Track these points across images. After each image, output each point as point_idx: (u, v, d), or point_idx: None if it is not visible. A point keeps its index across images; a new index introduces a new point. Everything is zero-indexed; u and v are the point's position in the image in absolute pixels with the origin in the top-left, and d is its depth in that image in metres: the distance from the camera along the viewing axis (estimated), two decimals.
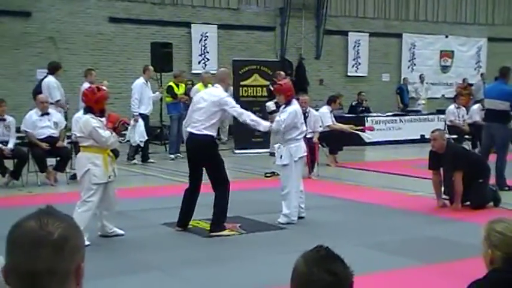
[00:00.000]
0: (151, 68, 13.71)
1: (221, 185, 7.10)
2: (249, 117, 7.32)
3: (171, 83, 13.98)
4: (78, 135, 6.83)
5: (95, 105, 6.83)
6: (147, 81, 13.32)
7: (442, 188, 8.60)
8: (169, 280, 5.62)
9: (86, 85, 12.88)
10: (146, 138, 12.73)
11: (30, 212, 1.59)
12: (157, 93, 13.81)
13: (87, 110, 6.89)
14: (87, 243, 6.33)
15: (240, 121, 7.51)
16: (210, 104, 7.10)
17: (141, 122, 12.64)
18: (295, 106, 7.84)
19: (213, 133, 7.15)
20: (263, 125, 7.48)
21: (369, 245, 6.69)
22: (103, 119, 6.87)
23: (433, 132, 8.72)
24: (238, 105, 7.38)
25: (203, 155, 7.11)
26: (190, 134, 7.18)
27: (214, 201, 7.11)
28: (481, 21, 23.85)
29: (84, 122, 6.76)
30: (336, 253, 1.93)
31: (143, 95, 13.00)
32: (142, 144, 12.69)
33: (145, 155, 13.23)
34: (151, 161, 13.24)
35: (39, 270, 1.52)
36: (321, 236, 7.15)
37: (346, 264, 1.92)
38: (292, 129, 7.68)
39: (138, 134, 12.52)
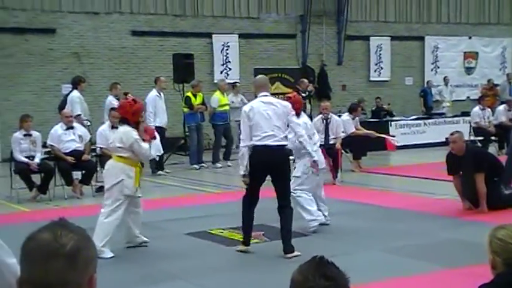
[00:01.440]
0: (162, 78, 13.79)
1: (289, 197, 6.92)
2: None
3: (189, 94, 14.05)
4: (117, 145, 6.76)
5: (131, 117, 6.81)
6: (159, 93, 13.39)
7: None
8: None
9: (111, 98, 13.10)
10: (162, 152, 12.72)
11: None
12: None
13: (123, 122, 6.86)
14: (111, 255, 6.43)
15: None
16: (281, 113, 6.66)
17: (156, 135, 12.63)
18: (304, 118, 7.69)
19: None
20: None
21: (393, 250, 6.65)
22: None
23: (452, 134, 8.65)
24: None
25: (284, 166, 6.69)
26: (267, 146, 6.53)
27: (286, 215, 6.76)
28: (505, 21, 23.57)
29: (125, 133, 6.71)
30: (331, 260, 1.90)
31: (157, 107, 13.05)
32: (157, 158, 12.56)
33: (160, 164, 13.24)
34: (163, 172, 13.20)
35: (53, 282, 1.55)
36: (345, 242, 7.14)
37: (341, 270, 1.90)
38: None
39: (154, 148, 12.49)
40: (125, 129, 6.77)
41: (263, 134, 6.49)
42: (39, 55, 16.78)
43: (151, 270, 6.22)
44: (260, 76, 7.44)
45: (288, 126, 6.73)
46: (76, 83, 12.14)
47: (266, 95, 6.79)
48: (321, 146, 11.45)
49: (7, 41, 16.45)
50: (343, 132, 12.08)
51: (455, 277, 5.71)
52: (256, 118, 6.52)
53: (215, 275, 5.98)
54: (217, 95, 14.37)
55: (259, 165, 6.53)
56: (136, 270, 6.25)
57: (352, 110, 13.19)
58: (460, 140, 8.41)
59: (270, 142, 6.48)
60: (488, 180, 8.30)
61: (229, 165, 13.88)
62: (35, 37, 16.77)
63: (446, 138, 14.79)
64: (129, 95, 12.94)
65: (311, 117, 15.14)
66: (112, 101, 13.04)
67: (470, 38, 22.95)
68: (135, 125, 6.83)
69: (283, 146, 6.59)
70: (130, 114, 6.82)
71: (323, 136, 11.59)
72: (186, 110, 14.07)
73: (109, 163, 6.96)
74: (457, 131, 9.04)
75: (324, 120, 11.61)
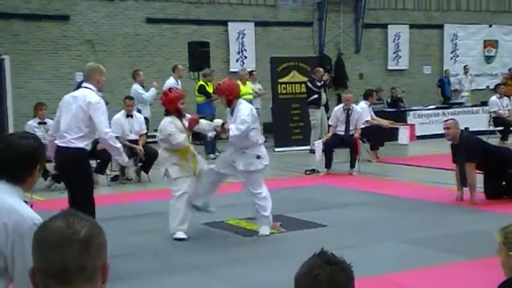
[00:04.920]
0: (180, 67, 13.66)
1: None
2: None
3: (202, 82, 13.84)
4: (159, 136, 7.06)
5: (168, 105, 6.99)
6: (177, 81, 13.29)
7: None
8: (210, 280, 5.55)
9: (136, 86, 13.05)
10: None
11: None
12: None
13: (167, 113, 7.05)
14: (185, 236, 6.68)
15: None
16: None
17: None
18: (244, 105, 6.93)
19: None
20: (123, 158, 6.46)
21: (410, 241, 6.54)
22: (183, 120, 7.00)
23: (446, 120, 8.62)
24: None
25: None
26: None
27: None
28: None
29: (162, 126, 6.96)
30: (331, 252, 1.91)
31: None
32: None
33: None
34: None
35: (70, 268, 1.59)
36: (362, 232, 7.02)
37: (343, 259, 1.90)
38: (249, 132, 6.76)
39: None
40: (163, 122, 6.98)
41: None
42: (53, 42, 16.70)
43: (168, 261, 6.14)
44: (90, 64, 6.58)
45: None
46: None
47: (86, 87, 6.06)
48: (338, 136, 11.45)
49: (19, 28, 16.37)
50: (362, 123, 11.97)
51: (474, 268, 5.59)
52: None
53: (232, 265, 5.89)
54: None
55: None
56: (153, 260, 6.16)
57: (367, 96, 13.04)
58: (453, 127, 8.27)
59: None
60: (504, 172, 8.11)
61: None
62: (48, 24, 16.69)
63: (466, 128, 14.58)
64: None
65: (327, 107, 15.04)
66: (138, 89, 12.98)
67: (490, 26, 22.58)
68: (177, 113, 6.96)
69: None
70: (167, 104, 7.00)
71: (343, 126, 11.47)
72: (199, 99, 13.88)
73: (160, 153, 7.20)
74: (452, 118, 8.97)
75: (345, 111, 11.48)
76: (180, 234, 6.75)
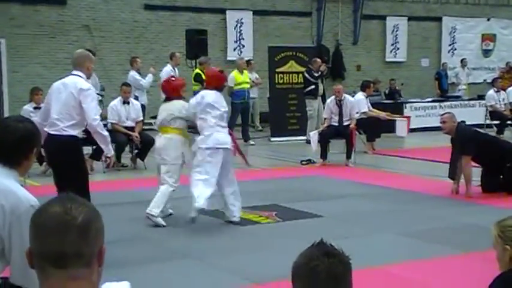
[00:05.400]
0: (178, 54, 13.62)
1: None
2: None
3: (198, 70, 13.77)
4: (177, 115, 7.02)
5: (172, 93, 7.05)
6: (174, 68, 13.25)
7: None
8: (204, 268, 5.54)
9: (133, 73, 13.00)
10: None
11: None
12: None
13: (168, 101, 7.10)
14: (164, 223, 6.74)
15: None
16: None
17: None
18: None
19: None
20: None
21: (407, 233, 6.55)
22: None
23: (442, 114, 8.61)
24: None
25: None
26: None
27: None
28: None
29: (185, 105, 7.05)
30: (330, 243, 1.91)
31: None
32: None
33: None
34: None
35: (68, 253, 1.59)
36: (358, 224, 7.02)
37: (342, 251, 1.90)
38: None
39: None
40: (179, 102, 7.00)
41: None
42: (49, 27, 16.57)
43: (163, 249, 6.13)
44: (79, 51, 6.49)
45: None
46: None
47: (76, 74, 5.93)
48: (334, 127, 11.45)
49: (16, 11, 16.23)
50: (357, 113, 11.94)
51: (472, 261, 5.60)
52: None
53: (228, 255, 5.89)
54: (233, 73, 14.13)
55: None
56: (148, 248, 6.16)
57: (364, 87, 13.02)
58: (450, 120, 8.27)
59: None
60: (502, 166, 8.11)
61: (252, 144, 13.79)
62: (45, 8, 16.55)
63: (462, 121, 14.58)
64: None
65: (324, 98, 15.01)
66: (135, 75, 12.94)
67: (488, 19, 22.53)
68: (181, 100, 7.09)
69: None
70: (170, 91, 7.07)
71: (337, 117, 11.47)
72: (195, 87, 13.79)
73: (167, 137, 7.00)
74: (448, 112, 8.98)
75: (338, 102, 11.46)
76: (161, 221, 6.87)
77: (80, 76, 5.87)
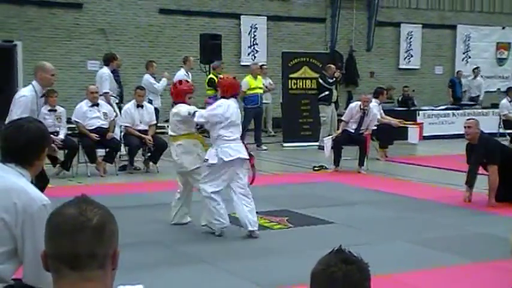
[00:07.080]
0: (191, 58, 13.67)
1: None
2: None
3: (212, 75, 13.82)
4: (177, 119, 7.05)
5: (176, 98, 7.12)
6: (188, 73, 13.31)
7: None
8: (216, 272, 5.55)
9: (148, 77, 13.08)
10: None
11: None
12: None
13: (174, 104, 7.15)
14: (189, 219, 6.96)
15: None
16: None
17: None
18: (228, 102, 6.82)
19: None
20: None
21: (417, 241, 6.51)
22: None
23: (468, 119, 8.53)
24: None
25: None
26: None
27: None
28: None
29: (190, 108, 6.98)
30: (348, 250, 1.92)
31: None
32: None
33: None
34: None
35: (82, 254, 1.61)
36: (368, 231, 7.00)
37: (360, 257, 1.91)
38: (216, 126, 6.66)
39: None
40: (181, 106, 6.95)
41: None
42: (65, 30, 16.72)
43: (174, 252, 6.15)
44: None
45: None
46: (109, 60, 11.97)
47: None
48: (348, 133, 11.41)
49: (33, 14, 16.39)
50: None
51: (482, 271, 5.56)
52: None
53: (238, 259, 5.91)
54: (247, 78, 14.18)
55: None
56: (161, 251, 6.17)
57: (378, 94, 12.94)
58: (474, 126, 8.19)
59: None
60: (507, 173, 8.08)
61: (265, 149, 13.83)
62: (61, 11, 16.71)
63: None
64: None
65: (337, 104, 15.00)
66: (149, 79, 13.02)
67: (503, 28, 22.44)
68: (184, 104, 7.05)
69: None
70: (175, 96, 7.12)
71: (355, 125, 11.39)
72: (210, 92, 13.85)
73: (179, 144, 6.95)
74: (473, 118, 8.93)
75: (362, 111, 11.38)
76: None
77: (32, 85, 6.79)
